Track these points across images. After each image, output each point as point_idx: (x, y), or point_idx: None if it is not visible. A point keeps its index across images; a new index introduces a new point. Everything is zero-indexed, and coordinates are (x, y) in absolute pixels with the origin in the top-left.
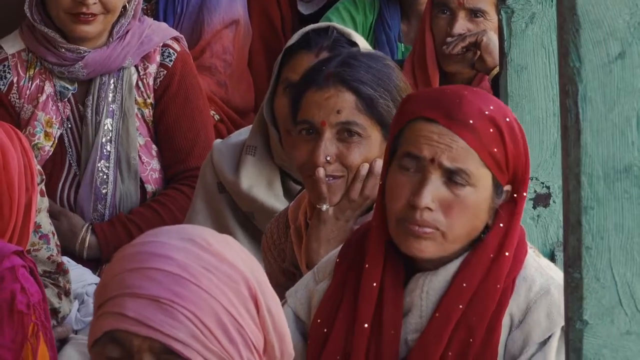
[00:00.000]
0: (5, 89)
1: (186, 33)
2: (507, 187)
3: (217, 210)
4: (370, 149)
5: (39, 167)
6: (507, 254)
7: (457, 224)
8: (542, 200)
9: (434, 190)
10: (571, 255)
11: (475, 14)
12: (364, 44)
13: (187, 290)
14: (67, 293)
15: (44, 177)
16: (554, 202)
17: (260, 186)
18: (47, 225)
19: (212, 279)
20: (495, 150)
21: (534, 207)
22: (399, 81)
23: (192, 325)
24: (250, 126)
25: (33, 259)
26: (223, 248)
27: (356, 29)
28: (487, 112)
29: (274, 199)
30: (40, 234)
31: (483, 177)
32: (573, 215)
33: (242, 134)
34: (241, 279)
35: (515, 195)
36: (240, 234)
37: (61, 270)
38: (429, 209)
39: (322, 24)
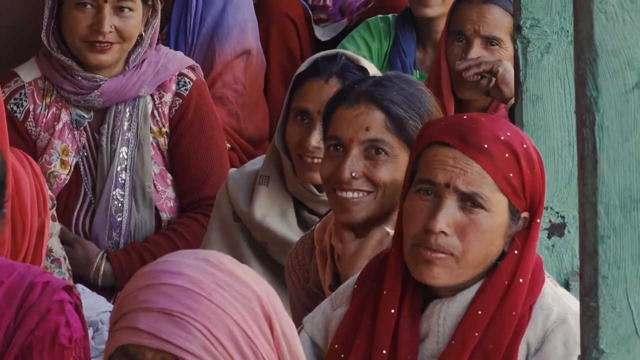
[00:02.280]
0: (22, 116)
1: (197, 63)
2: (525, 214)
3: (232, 240)
4: (397, 169)
5: (49, 192)
6: (521, 280)
7: (471, 248)
8: (557, 230)
9: (449, 214)
10: (587, 284)
11: (490, 42)
12: (373, 70)
13: (199, 303)
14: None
15: (55, 202)
16: (568, 231)
17: (274, 216)
18: (58, 249)
19: (224, 294)
20: (511, 175)
21: (549, 237)
22: (430, 106)
23: (204, 338)
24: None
25: None
26: (235, 267)
27: (371, 57)
28: (503, 137)
29: (287, 228)
30: (52, 257)
31: (499, 203)
32: (589, 244)
33: (256, 163)
34: (254, 298)
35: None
36: (255, 263)
37: None
38: (444, 233)
39: (330, 50)
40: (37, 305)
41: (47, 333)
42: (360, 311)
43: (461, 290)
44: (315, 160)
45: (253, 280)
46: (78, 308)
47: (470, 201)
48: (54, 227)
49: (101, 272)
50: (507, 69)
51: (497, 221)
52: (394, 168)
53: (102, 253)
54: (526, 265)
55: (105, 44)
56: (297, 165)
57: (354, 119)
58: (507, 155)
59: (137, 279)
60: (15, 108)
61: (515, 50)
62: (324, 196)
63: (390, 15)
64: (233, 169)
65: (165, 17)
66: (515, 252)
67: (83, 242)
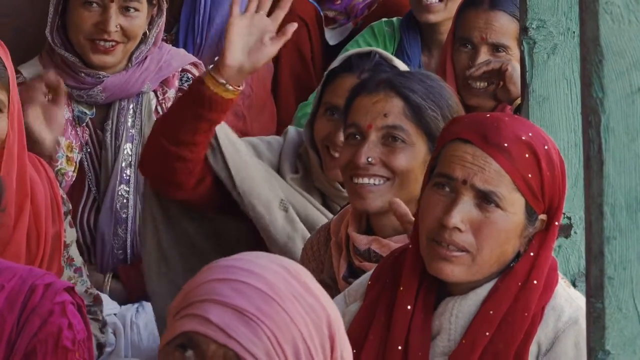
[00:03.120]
0: None
1: (206, 64)
2: (543, 216)
3: None
4: (414, 157)
5: (64, 196)
6: (535, 282)
7: (486, 246)
8: (563, 230)
9: (464, 211)
10: (593, 286)
11: (497, 48)
12: (405, 69)
13: (272, 309)
14: (104, 324)
15: (70, 207)
16: (575, 232)
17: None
18: (78, 257)
19: (297, 306)
20: (530, 176)
21: (556, 238)
22: (450, 100)
23: (270, 345)
24: None
25: None
26: (311, 281)
27: None
28: (524, 138)
29: (311, 209)
30: (74, 267)
31: (515, 202)
32: (595, 245)
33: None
34: (324, 316)
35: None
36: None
37: (97, 302)
38: (459, 229)
39: (364, 48)
40: (38, 309)
41: (50, 336)
42: (374, 307)
43: (474, 289)
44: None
45: (324, 298)
46: (81, 309)
47: (486, 199)
48: (72, 234)
49: (111, 293)
50: (516, 68)
51: (513, 221)
52: (411, 156)
53: (108, 277)
54: (541, 268)
55: (110, 44)
56: (324, 160)
57: (373, 106)
58: (527, 155)
59: (212, 271)
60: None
61: (522, 52)
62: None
63: (394, 19)
64: (292, 128)
65: (174, 18)
66: (531, 253)
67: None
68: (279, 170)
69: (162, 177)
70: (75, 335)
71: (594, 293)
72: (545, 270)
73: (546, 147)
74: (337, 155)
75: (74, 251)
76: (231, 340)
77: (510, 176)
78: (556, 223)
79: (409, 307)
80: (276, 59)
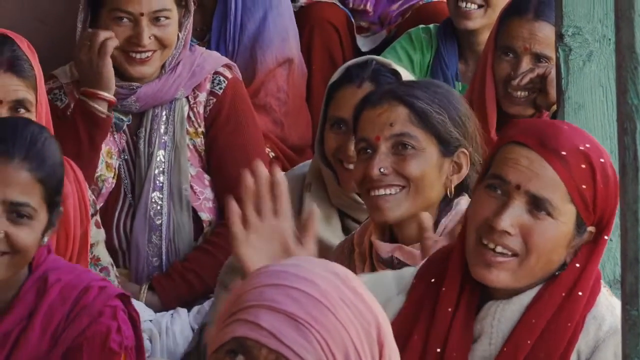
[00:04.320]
0: (63, 106)
1: (239, 70)
2: (591, 228)
3: None
4: (426, 161)
5: (92, 197)
6: (580, 294)
7: (534, 252)
8: None
9: (515, 215)
10: (629, 293)
11: (539, 59)
12: (405, 74)
13: (323, 316)
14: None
15: (97, 208)
16: (610, 239)
17: (318, 221)
18: (105, 257)
19: (348, 312)
20: (584, 187)
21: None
22: (458, 104)
23: (322, 352)
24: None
25: None
26: (360, 286)
27: (413, 68)
28: (581, 148)
29: (331, 235)
30: (100, 266)
31: (567, 212)
32: (631, 252)
33: (305, 165)
34: (373, 322)
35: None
36: None
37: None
38: (508, 233)
39: (361, 57)
40: (90, 307)
41: (97, 335)
42: (418, 306)
43: (517, 294)
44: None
45: (373, 303)
46: (133, 319)
47: (538, 206)
48: (99, 235)
49: (147, 303)
50: None
51: (562, 230)
52: (422, 161)
53: (144, 287)
54: (587, 280)
55: (146, 55)
56: (339, 174)
57: (378, 118)
58: (583, 166)
59: (264, 275)
60: (55, 99)
61: (557, 58)
62: None
63: (431, 26)
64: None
65: (206, 27)
66: (577, 265)
67: (123, 282)
68: None
69: None
70: (123, 340)
71: (629, 300)
72: (591, 282)
73: (602, 160)
74: (350, 167)
75: (100, 251)
76: (282, 345)
77: (565, 185)
78: (606, 237)
79: (449, 309)
80: (309, 66)
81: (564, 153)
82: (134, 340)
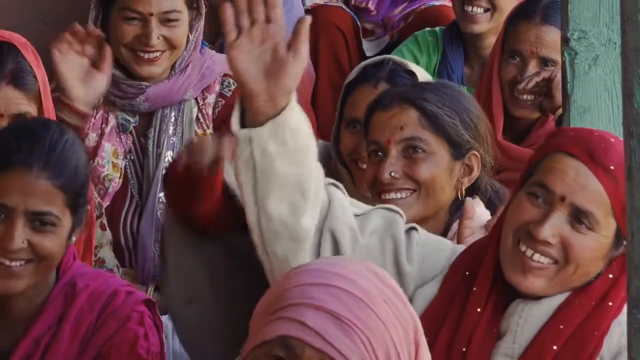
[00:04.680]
0: None
1: None
2: None
3: None
4: (437, 165)
5: (97, 199)
6: (610, 304)
7: (572, 263)
8: None
9: (556, 225)
10: (635, 297)
11: (546, 62)
12: (422, 74)
13: (366, 315)
14: None
15: (103, 210)
16: None
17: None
18: (111, 259)
19: (389, 312)
20: None
21: None
22: (469, 105)
23: (365, 351)
24: None
25: None
26: (397, 286)
27: None
28: None
29: None
30: (105, 269)
31: (608, 227)
32: (637, 256)
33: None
34: (411, 322)
35: None
36: None
37: None
38: (548, 242)
39: (378, 57)
40: (118, 312)
41: (125, 341)
42: (449, 300)
43: (547, 296)
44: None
45: (409, 303)
46: (157, 325)
47: (580, 219)
48: (104, 237)
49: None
50: None
51: (602, 243)
52: (433, 165)
53: (150, 289)
54: (619, 290)
55: (154, 55)
56: (354, 174)
57: (389, 121)
58: None
59: (305, 274)
60: None
61: (563, 62)
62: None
63: (437, 29)
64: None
65: (217, 30)
66: (610, 275)
67: None
68: None
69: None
70: (150, 346)
71: (636, 304)
72: (622, 293)
73: None
74: (364, 167)
75: (105, 253)
76: (327, 345)
77: (610, 200)
78: None
79: (479, 309)
80: (314, 69)
81: (612, 167)
82: (159, 347)
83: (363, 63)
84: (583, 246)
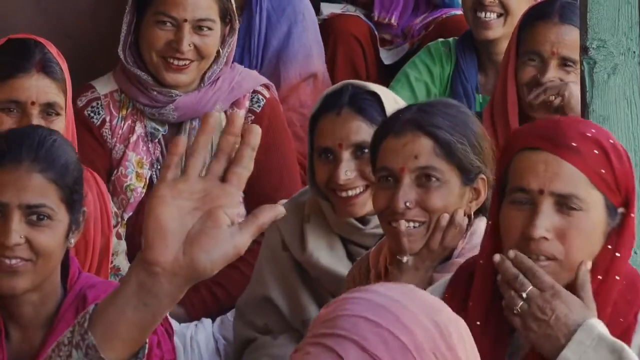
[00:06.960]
0: (99, 123)
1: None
2: (621, 209)
3: (280, 269)
4: (449, 194)
5: (114, 209)
6: (617, 277)
7: (574, 250)
8: None
9: (546, 219)
10: None
11: (566, 63)
12: (384, 93)
13: None
14: None
15: (119, 219)
16: (635, 252)
17: (322, 251)
18: (126, 267)
19: None
20: (603, 171)
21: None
22: (475, 127)
23: None
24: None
25: None
26: (458, 344)
27: (433, 81)
28: (589, 135)
29: (336, 263)
30: (120, 276)
31: (595, 200)
32: None
33: (306, 193)
34: None
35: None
36: (303, 291)
37: None
38: (545, 238)
39: (336, 84)
40: None
41: None
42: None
43: None
44: (350, 193)
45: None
46: (168, 333)
47: (566, 203)
48: (119, 245)
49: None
50: (573, 93)
51: (595, 219)
52: (446, 193)
53: None
54: (621, 262)
55: (183, 62)
56: (334, 203)
57: (402, 148)
58: (596, 151)
59: (365, 304)
60: (92, 114)
61: (582, 72)
62: (368, 229)
63: (450, 39)
64: (283, 201)
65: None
66: (609, 246)
67: None
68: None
69: None
70: (164, 354)
71: None
72: (626, 265)
73: (611, 141)
74: (343, 195)
75: (120, 261)
76: None
77: (585, 174)
78: (632, 215)
79: (478, 322)
80: (332, 79)
81: (574, 144)
82: (172, 354)
83: (324, 93)
84: (577, 229)
